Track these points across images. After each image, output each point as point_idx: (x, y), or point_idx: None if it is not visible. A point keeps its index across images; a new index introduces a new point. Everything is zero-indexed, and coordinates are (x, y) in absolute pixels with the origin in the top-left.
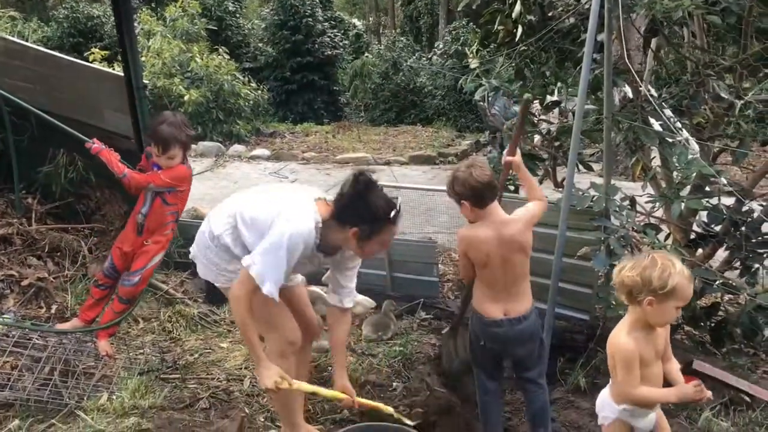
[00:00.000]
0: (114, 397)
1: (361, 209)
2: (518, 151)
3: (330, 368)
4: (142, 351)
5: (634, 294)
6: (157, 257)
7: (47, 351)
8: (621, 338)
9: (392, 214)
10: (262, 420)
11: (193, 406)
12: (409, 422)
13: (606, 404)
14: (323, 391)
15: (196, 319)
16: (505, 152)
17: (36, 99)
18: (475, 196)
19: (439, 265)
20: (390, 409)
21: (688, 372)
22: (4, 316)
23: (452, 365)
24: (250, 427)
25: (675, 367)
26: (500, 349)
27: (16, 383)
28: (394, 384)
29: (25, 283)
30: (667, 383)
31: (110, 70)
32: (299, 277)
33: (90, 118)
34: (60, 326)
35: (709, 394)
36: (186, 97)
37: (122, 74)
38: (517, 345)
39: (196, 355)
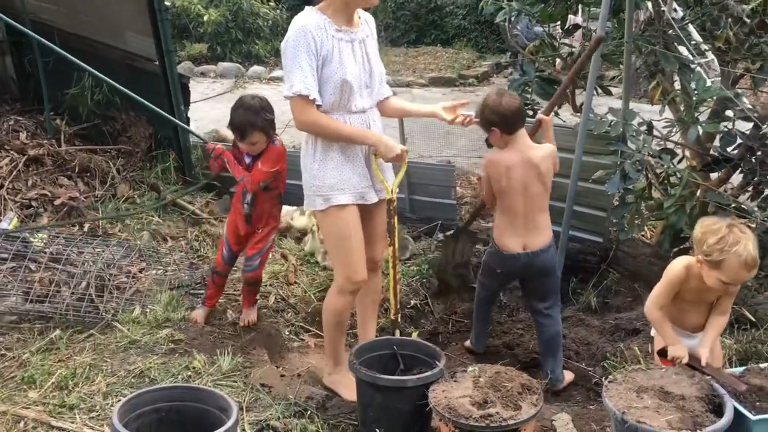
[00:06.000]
0: (147, 310)
1: None
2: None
3: None
4: (172, 267)
5: (695, 245)
6: (271, 239)
7: (82, 267)
8: (680, 262)
9: None
10: (287, 333)
11: (222, 319)
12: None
13: None
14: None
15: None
16: (539, 112)
17: (59, 20)
18: (505, 122)
19: (457, 188)
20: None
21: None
22: (40, 234)
23: (448, 267)
24: (274, 339)
25: (718, 322)
26: (513, 278)
27: (54, 297)
28: (413, 301)
29: (57, 202)
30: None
31: None
32: (382, 193)
33: (113, 40)
34: (193, 315)
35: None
36: (205, 17)
37: None
38: (531, 276)
39: None
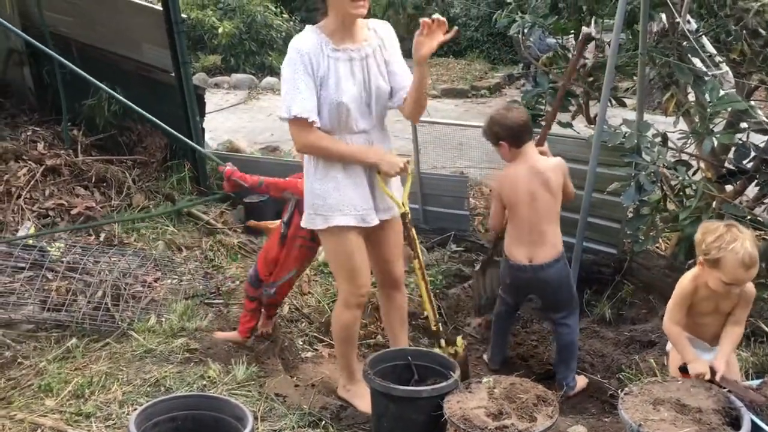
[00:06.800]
0: (162, 319)
1: None
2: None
3: None
4: (187, 277)
5: (696, 248)
6: (290, 273)
7: (98, 276)
8: (687, 276)
9: None
10: (301, 343)
11: (236, 329)
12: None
13: None
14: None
15: (236, 248)
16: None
17: (77, 31)
18: (513, 136)
19: (470, 199)
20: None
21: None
22: (56, 243)
23: (481, 301)
24: (289, 349)
25: (734, 333)
26: (524, 291)
27: (70, 306)
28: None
29: (74, 212)
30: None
31: (148, 3)
32: (393, 211)
33: (129, 51)
34: (219, 334)
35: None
36: (220, 29)
37: (160, 8)
38: (541, 290)
39: (237, 282)
